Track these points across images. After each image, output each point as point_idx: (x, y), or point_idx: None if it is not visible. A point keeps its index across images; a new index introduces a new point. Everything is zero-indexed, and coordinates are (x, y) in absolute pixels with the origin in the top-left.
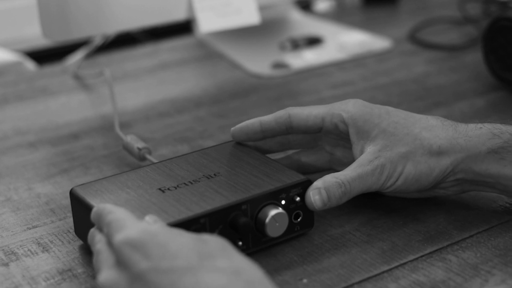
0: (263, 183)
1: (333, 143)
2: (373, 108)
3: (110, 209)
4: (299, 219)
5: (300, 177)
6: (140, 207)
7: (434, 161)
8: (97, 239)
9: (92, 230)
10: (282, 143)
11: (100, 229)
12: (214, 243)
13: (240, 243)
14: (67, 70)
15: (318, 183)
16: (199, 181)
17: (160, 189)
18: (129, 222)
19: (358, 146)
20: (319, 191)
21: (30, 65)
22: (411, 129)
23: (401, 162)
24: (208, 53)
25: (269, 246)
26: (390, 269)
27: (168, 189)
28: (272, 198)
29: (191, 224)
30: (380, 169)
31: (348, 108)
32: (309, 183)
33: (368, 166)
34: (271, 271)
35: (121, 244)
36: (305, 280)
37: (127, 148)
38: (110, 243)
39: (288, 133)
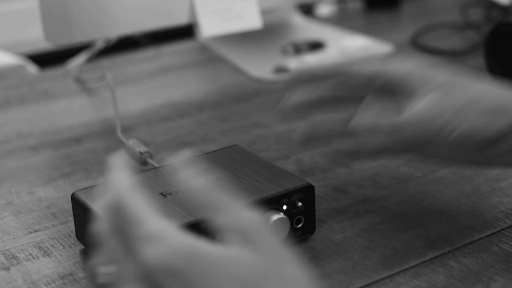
0: (264, 188)
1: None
2: (432, 64)
3: (139, 209)
4: (300, 225)
5: (302, 182)
6: None
7: (492, 118)
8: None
9: (107, 231)
10: None
11: (120, 230)
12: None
13: None
14: (69, 73)
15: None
16: None
17: (161, 193)
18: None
19: (413, 97)
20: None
21: (32, 68)
22: (473, 84)
23: (460, 113)
24: (210, 57)
25: None
26: (392, 275)
27: (170, 193)
28: (273, 203)
29: (193, 229)
30: (438, 114)
31: (405, 64)
32: (311, 188)
33: (426, 112)
34: None
35: (154, 268)
36: None
37: (128, 152)
38: (131, 252)
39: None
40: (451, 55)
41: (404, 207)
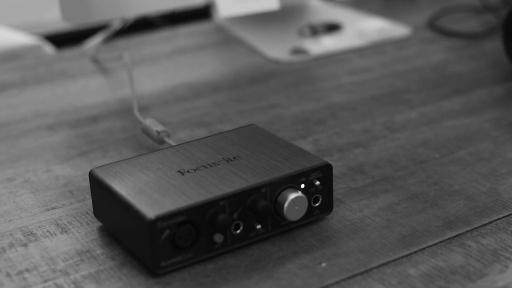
0: (282, 166)
1: None
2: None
3: None
4: (318, 203)
5: (320, 161)
6: (160, 189)
7: None
8: None
9: None
10: None
11: None
12: None
13: (259, 226)
14: (85, 54)
15: None
16: (218, 164)
17: (179, 171)
18: None
19: None
20: None
21: (48, 48)
22: None
23: None
24: (226, 38)
25: (288, 230)
26: (409, 254)
27: (188, 171)
28: (291, 182)
29: (211, 207)
30: None
31: None
32: (329, 167)
33: None
34: (290, 255)
35: None
36: (324, 264)
37: (146, 131)
38: None
39: None
40: (468, 38)
41: (422, 188)
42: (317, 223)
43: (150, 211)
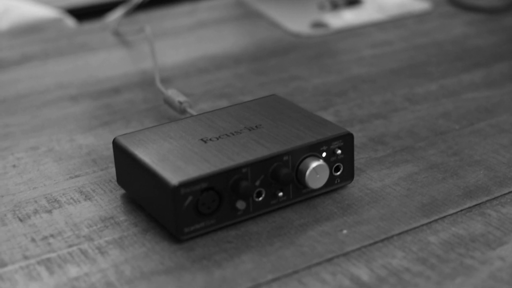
0: (304, 135)
1: None
2: None
3: None
4: (339, 172)
5: (341, 130)
6: (183, 156)
7: None
8: None
9: None
10: None
11: None
12: None
13: (281, 193)
14: (107, 27)
15: None
16: (240, 133)
17: (202, 139)
18: None
19: None
20: None
21: (70, 21)
22: None
23: None
24: (247, 12)
25: (309, 198)
26: (430, 222)
27: (210, 139)
28: (313, 150)
29: (233, 174)
30: None
31: None
32: (350, 136)
33: None
34: (311, 222)
35: None
36: (345, 231)
37: (168, 101)
38: None
39: None
40: (489, 13)
41: (442, 158)
42: (338, 192)
43: (173, 178)
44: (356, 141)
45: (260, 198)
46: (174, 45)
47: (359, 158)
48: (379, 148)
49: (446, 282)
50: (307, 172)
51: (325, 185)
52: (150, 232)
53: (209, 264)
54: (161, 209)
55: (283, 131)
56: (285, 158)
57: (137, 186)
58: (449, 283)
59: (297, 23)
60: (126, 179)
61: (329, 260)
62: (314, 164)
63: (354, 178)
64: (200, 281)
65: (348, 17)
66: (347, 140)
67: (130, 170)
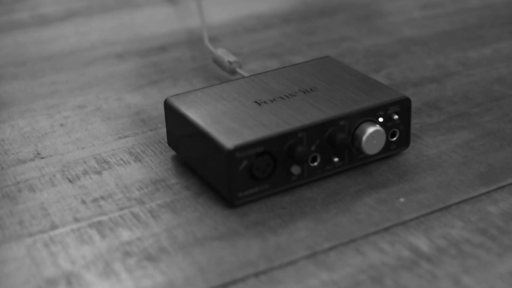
0: (361, 99)
1: None
2: None
3: None
4: (395, 138)
5: (399, 95)
6: (237, 119)
7: None
8: None
9: None
10: None
11: None
12: None
13: (336, 159)
14: None
15: None
16: (295, 95)
17: (256, 101)
18: None
19: None
20: None
21: None
22: None
23: None
24: None
25: (364, 164)
26: (489, 192)
27: (264, 102)
28: (370, 115)
29: (289, 138)
30: None
31: None
32: (408, 101)
33: None
34: (367, 189)
35: None
36: (402, 199)
37: (217, 61)
38: None
39: None
40: None
41: (499, 125)
42: (394, 158)
43: (228, 141)
44: None
45: (315, 163)
46: (221, 2)
47: (414, 123)
48: (433, 113)
49: (508, 254)
50: (364, 138)
51: (381, 151)
52: (203, 196)
53: (264, 230)
54: (214, 172)
55: (338, 94)
56: (342, 122)
57: (189, 148)
58: (511, 255)
59: None
60: (177, 141)
61: (387, 229)
62: (371, 129)
63: (410, 144)
64: (255, 248)
65: None
66: (404, 105)
67: (182, 132)
